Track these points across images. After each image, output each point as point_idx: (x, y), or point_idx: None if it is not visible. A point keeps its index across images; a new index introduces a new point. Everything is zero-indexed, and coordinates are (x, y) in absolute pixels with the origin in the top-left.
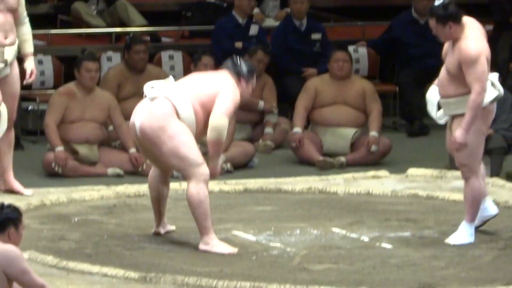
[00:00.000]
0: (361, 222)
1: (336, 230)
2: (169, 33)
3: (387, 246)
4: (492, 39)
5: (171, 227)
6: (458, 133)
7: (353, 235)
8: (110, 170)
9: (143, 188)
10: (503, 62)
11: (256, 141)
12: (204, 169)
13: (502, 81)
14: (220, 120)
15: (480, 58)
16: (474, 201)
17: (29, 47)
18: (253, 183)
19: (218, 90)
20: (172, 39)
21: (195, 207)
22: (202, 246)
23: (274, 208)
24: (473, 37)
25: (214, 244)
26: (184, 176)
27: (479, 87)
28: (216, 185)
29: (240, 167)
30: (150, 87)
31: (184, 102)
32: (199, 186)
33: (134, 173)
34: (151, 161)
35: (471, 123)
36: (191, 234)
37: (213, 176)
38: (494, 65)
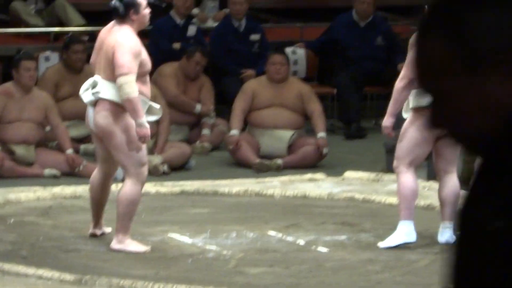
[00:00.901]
0: (297, 225)
1: (272, 233)
2: None
3: (323, 249)
4: None
5: (107, 229)
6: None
7: (289, 238)
8: (47, 171)
9: (80, 189)
10: None
11: (193, 143)
12: (145, 171)
13: None
14: (120, 80)
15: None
16: (402, 197)
17: None
18: (190, 185)
19: (113, 48)
20: None
21: (125, 205)
22: (115, 245)
23: (211, 211)
24: None
25: (127, 243)
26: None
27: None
28: (152, 187)
29: (177, 168)
30: (84, 91)
31: (114, 91)
32: (135, 187)
33: (71, 174)
34: (101, 158)
35: (391, 107)
36: None
37: (143, 138)
38: None
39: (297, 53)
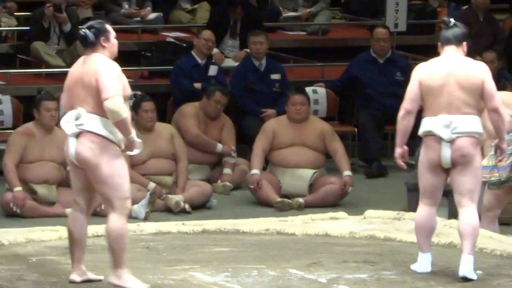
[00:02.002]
0: (318, 263)
1: (293, 271)
2: (129, 73)
3: (345, 287)
4: None
5: (96, 277)
6: None
7: (311, 277)
8: (69, 211)
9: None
10: None
11: (214, 182)
12: (129, 204)
13: None
14: (109, 103)
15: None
16: (416, 230)
17: None
18: (211, 224)
19: (96, 79)
20: (132, 79)
21: (115, 241)
22: (114, 280)
23: (232, 249)
24: None
25: (126, 279)
26: (108, 206)
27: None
28: (174, 226)
29: (198, 207)
30: (66, 122)
31: (99, 123)
32: (121, 220)
33: (92, 214)
34: (78, 189)
35: (397, 138)
36: (148, 275)
37: (130, 150)
38: None
39: (318, 93)
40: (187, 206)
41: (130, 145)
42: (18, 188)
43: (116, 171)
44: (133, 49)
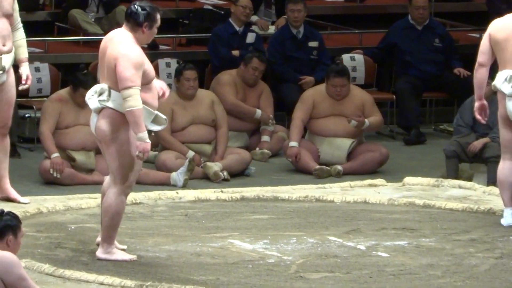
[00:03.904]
0: (357, 230)
1: (332, 238)
2: (166, 41)
3: (384, 254)
4: None
5: (121, 246)
6: None
7: (350, 244)
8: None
9: (140, 196)
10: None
11: (253, 149)
12: (131, 185)
13: None
14: (125, 93)
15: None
16: (498, 185)
17: (24, 53)
18: (250, 191)
19: (116, 60)
20: (169, 46)
21: (110, 217)
22: (101, 254)
23: (271, 216)
24: None
25: (113, 252)
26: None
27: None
28: (213, 193)
29: (237, 175)
30: (90, 96)
31: (119, 101)
32: (120, 198)
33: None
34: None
35: (475, 91)
36: (187, 243)
37: (142, 153)
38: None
39: (356, 60)
40: (225, 173)
41: (139, 145)
42: (56, 154)
43: (127, 151)
44: (171, 17)
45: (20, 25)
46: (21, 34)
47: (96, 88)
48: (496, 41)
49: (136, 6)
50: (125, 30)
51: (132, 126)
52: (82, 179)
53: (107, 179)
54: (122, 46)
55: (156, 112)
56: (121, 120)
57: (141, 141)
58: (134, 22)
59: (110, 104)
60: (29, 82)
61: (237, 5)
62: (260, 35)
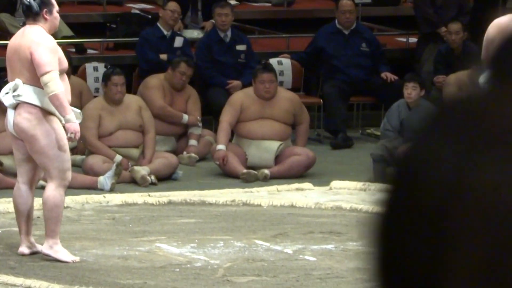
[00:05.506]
0: (284, 234)
1: (259, 242)
2: (94, 45)
3: (311, 258)
4: (417, 51)
5: (40, 247)
6: None
7: (277, 248)
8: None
9: (67, 200)
10: (427, 74)
11: (180, 153)
12: (68, 175)
13: (426, 92)
14: (45, 78)
15: None
16: None
17: None
18: (177, 195)
19: (31, 52)
20: (97, 50)
21: (49, 210)
22: (45, 250)
23: (198, 220)
24: None
25: (57, 249)
26: (46, 176)
27: None
28: (140, 197)
29: (164, 179)
30: (4, 94)
31: (35, 95)
32: (58, 190)
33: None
34: (19, 161)
35: None
36: (114, 247)
37: (73, 134)
38: (419, 77)
39: (283, 64)
40: (153, 177)
41: (69, 126)
42: None
43: (53, 141)
44: (98, 21)
45: None
46: None
47: (9, 85)
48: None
49: (27, 0)
50: (31, 26)
51: (57, 109)
52: (10, 183)
53: (17, 185)
54: (34, 36)
55: (71, 107)
56: (39, 113)
57: (70, 122)
58: (33, 14)
59: (25, 98)
60: None
61: (166, 9)
62: (187, 39)
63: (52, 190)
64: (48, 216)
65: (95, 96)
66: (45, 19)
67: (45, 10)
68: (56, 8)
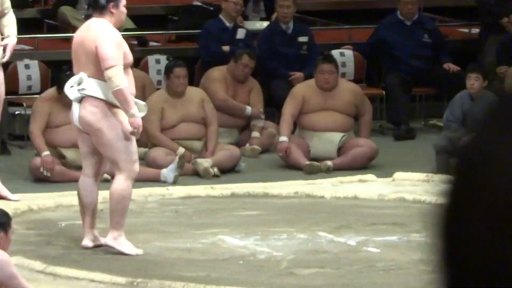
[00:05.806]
0: (348, 226)
1: (323, 234)
2: (156, 37)
3: (374, 250)
4: (479, 42)
5: (103, 240)
6: None
7: (340, 239)
8: None
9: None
10: (490, 65)
11: (243, 145)
12: (136, 167)
13: (489, 84)
14: (109, 72)
15: None
16: None
17: (12, 30)
18: (240, 187)
19: (96, 46)
20: (159, 43)
21: (117, 202)
22: (109, 241)
23: (261, 213)
24: None
25: (121, 242)
26: (114, 169)
27: None
28: (203, 190)
29: (227, 171)
30: (69, 88)
31: (100, 88)
32: (127, 182)
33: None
34: (85, 154)
35: None
36: (178, 239)
37: (136, 129)
38: (482, 68)
39: (345, 55)
40: (216, 169)
41: (132, 121)
42: (46, 153)
43: (119, 134)
44: (160, 13)
45: (11, 10)
46: (10, 17)
47: (74, 79)
48: None
49: None
50: (97, 19)
51: (121, 104)
52: (73, 176)
53: (82, 177)
54: (100, 30)
55: (135, 99)
56: (104, 107)
57: (133, 117)
58: (100, 8)
59: (90, 92)
60: (8, 50)
61: (228, 1)
62: (249, 31)
63: (121, 182)
64: (115, 207)
65: (157, 89)
66: (111, 12)
67: (112, 4)
68: (123, 2)
